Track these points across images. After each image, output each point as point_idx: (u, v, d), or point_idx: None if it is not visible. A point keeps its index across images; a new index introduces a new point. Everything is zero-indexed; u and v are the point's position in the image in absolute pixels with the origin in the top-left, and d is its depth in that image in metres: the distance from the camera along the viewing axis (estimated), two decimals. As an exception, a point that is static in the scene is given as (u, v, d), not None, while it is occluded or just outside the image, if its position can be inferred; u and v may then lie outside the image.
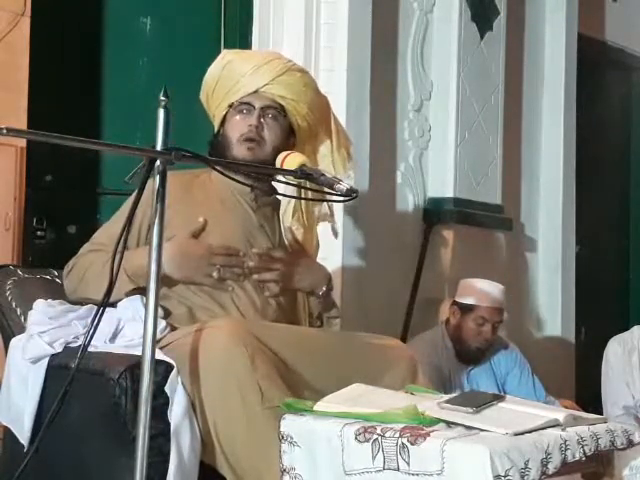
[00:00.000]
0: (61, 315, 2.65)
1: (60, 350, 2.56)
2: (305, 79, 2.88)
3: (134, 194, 2.28)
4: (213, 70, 2.86)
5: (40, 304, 2.68)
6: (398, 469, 2.07)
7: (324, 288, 2.87)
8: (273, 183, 2.87)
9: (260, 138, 2.76)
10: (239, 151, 2.76)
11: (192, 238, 2.71)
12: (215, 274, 2.68)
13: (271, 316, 2.74)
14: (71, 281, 2.75)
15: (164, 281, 2.63)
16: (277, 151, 2.61)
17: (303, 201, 2.89)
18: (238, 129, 2.77)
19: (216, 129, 2.89)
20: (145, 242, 2.69)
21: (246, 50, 2.93)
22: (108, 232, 2.72)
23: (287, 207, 2.90)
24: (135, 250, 2.65)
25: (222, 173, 2.40)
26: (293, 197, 2.83)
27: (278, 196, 2.90)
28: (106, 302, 2.21)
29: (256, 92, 2.78)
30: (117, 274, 2.18)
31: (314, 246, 3.02)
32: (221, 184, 2.80)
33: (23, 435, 2.59)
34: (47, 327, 2.60)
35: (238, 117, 2.79)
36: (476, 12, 4.69)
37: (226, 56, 2.86)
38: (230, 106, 2.81)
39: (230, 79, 2.80)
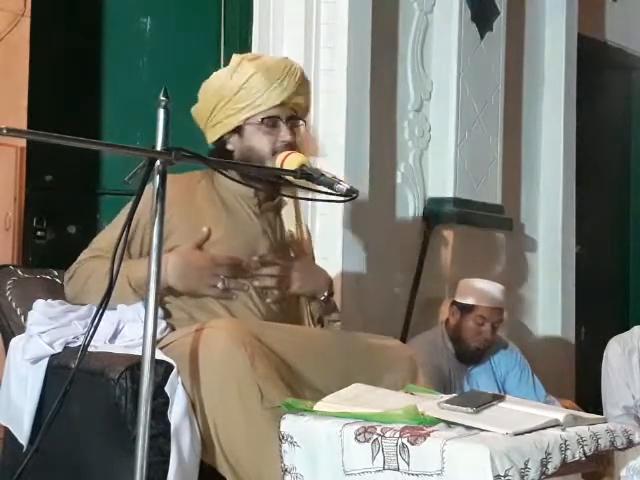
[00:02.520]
0: (61, 315, 2.65)
1: (60, 350, 2.56)
2: (308, 82, 2.89)
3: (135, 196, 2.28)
4: (230, 80, 2.76)
5: (40, 304, 2.67)
6: (398, 469, 2.08)
7: (325, 293, 2.86)
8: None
9: (291, 149, 2.70)
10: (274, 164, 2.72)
11: (196, 249, 2.69)
12: (220, 285, 2.66)
13: (274, 322, 2.73)
14: (72, 288, 2.73)
15: (168, 292, 2.64)
16: None
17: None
18: (269, 143, 2.74)
19: (216, 137, 2.81)
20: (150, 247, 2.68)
21: (260, 57, 2.83)
22: (108, 237, 2.70)
23: (289, 212, 2.90)
24: (139, 260, 2.63)
25: (225, 175, 2.42)
26: (297, 197, 2.83)
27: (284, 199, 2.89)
28: (105, 305, 2.21)
29: (280, 104, 2.75)
30: (117, 275, 2.18)
31: (307, 243, 3.00)
32: (224, 189, 2.79)
33: (22, 435, 2.59)
34: (47, 327, 2.60)
35: (264, 130, 2.75)
36: (476, 12, 4.69)
37: (244, 66, 2.76)
38: (252, 118, 2.75)
39: (253, 92, 2.73)
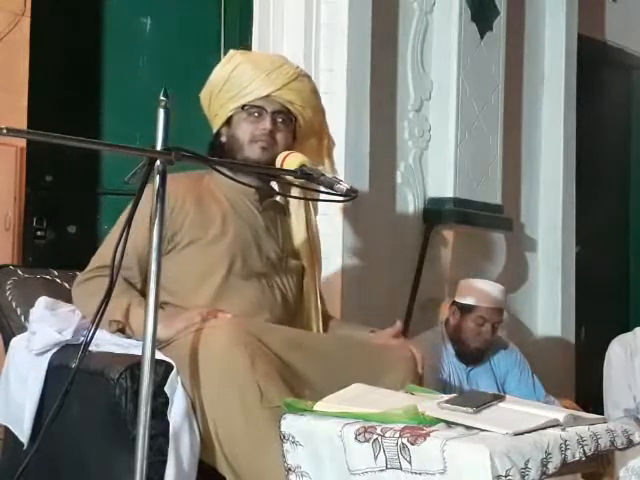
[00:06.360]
0: (65, 312, 2.64)
1: (70, 337, 2.56)
2: (312, 85, 2.94)
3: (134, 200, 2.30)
4: (221, 70, 2.86)
5: (43, 300, 2.68)
6: (401, 468, 2.08)
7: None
8: (273, 185, 2.89)
9: (273, 141, 2.77)
10: (251, 152, 2.77)
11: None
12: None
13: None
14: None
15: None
16: None
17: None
18: (249, 131, 2.79)
19: (216, 129, 2.90)
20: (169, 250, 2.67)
21: (254, 52, 2.92)
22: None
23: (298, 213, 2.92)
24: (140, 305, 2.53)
25: (223, 173, 2.42)
26: (293, 197, 2.84)
27: (283, 199, 2.92)
28: (105, 304, 2.21)
29: (267, 96, 2.79)
30: (117, 278, 2.20)
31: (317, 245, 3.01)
32: (226, 186, 2.79)
33: (23, 434, 2.59)
34: (51, 320, 2.60)
35: (249, 120, 2.81)
36: (476, 12, 4.68)
37: (235, 57, 2.86)
38: (238, 108, 2.81)
39: (240, 81, 2.80)
